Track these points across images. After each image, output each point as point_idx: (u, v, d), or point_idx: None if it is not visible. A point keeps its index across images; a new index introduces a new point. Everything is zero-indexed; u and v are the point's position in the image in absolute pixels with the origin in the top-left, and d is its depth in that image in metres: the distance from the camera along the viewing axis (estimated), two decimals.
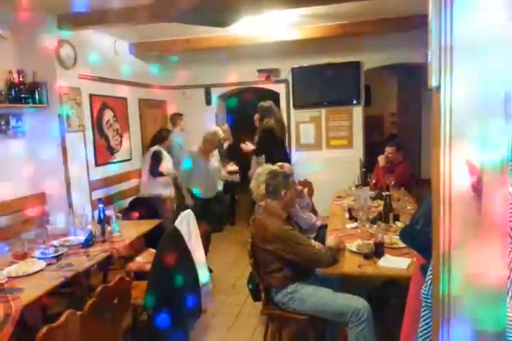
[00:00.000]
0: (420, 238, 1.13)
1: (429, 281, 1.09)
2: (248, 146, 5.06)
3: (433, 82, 0.73)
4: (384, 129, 9.99)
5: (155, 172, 4.98)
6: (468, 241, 0.72)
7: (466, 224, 0.72)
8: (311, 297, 2.59)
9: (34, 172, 4.11)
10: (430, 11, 0.71)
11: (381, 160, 4.95)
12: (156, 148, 5.10)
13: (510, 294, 0.89)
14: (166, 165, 5.05)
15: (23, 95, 3.79)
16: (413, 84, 8.43)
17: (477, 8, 0.69)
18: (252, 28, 4.85)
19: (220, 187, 5.56)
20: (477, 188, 0.71)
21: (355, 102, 6.32)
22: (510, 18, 0.69)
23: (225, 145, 5.97)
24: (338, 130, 6.46)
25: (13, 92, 3.71)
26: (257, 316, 3.42)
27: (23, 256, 2.87)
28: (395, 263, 2.54)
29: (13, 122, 3.91)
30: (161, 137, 5.26)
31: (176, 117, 6.12)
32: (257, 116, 5.47)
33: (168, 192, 5.18)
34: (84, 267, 2.80)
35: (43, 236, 3.35)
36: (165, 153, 5.14)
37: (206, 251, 4.31)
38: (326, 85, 6.26)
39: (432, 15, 0.71)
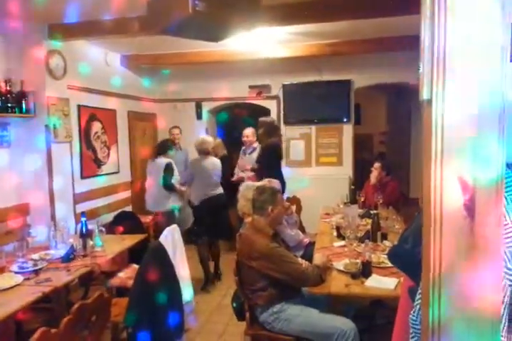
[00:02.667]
0: (409, 259, 1.09)
1: (417, 306, 1.03)
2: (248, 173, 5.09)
3: (424, 95, 0.70)
4: (373, 148, 10.05)
5: (170, 186, 4.82)
6: (459, 263, 0.67)
7: (457, 245, 0.67)
8: (297, 317, 2.52)
9: (18, 183, 4.03)
10: (422, 21, 0.69)
11: (373, 177, 4.94)
12: (167, 160, 4.88)
13: (504, 321, 0.85)
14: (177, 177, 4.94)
15: (9, 104, 3.73)
16: (403, 104, 8.54)
17: (471, 18, 0.67)
18: (244, 44, 4.88)
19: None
20: (469, 207, 0.67)
21: (345, 120, 6.35)
22: (504, 30, 0.67)
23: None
24: (327, 147, 6.47)
25: None
26: (241, 336, 3.32)
27: (0, 270, 2.78)
28: (383, 283, 2.50)
29: None
30: (165, 147, 5.02)
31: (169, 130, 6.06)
32: (251, 131, 5.41)
33: (181, 204, 5.01)
34: (63, 282, 2.71)
35: (23, 249, 3.25)
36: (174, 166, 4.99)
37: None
38: (316, 103, 6.30)
39: (424, 26, 0.69)
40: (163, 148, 5.03)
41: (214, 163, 4.76)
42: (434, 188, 0.68)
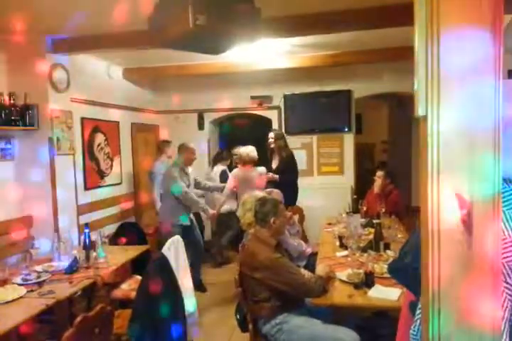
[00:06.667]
0: (409, 273, 1.09)
1: (418, 321, 1.03)
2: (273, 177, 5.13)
3: (419, 111, 0.71)
4: (375, 157, 10.06)
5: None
6: (458, 278, 0.68)
7: (456, 260, 0.68)
8: (300, 329, 2.51)
9: (22, 195, 4.05)
10: (417, 38, 0.70)
11: (377, 186, 4.94)
12: (223, 168, 5.44)
13: (504, 336, 0.85)
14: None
15: (13, 117, 3.77)
16: (403, 113, 8.56)
17: (465, 36, 0.68)
18: (245, 55, 4.92)
19: None
20: (467, 222, 0.68)
21: (346, 130, 6.37)
22: (497, 47, 0.68)
23: None
24: (329, 157, 6.49)
25: (3, 114, 3.69)
26: None
27: (4, 282, 2.79)
28: (386, 293, 2.49)
29: (1, 144, 3.88)
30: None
31: (164, 144, 5.98)
32: (272, 140, 5.42)
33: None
34: (66, 294, 2.71)
35: (26, 261, 3.26)
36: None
37: None
38: (317, 112, 6.33)
39: (418, 42, 0.70)
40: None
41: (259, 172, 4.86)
42: (431, 203, 0.69)
